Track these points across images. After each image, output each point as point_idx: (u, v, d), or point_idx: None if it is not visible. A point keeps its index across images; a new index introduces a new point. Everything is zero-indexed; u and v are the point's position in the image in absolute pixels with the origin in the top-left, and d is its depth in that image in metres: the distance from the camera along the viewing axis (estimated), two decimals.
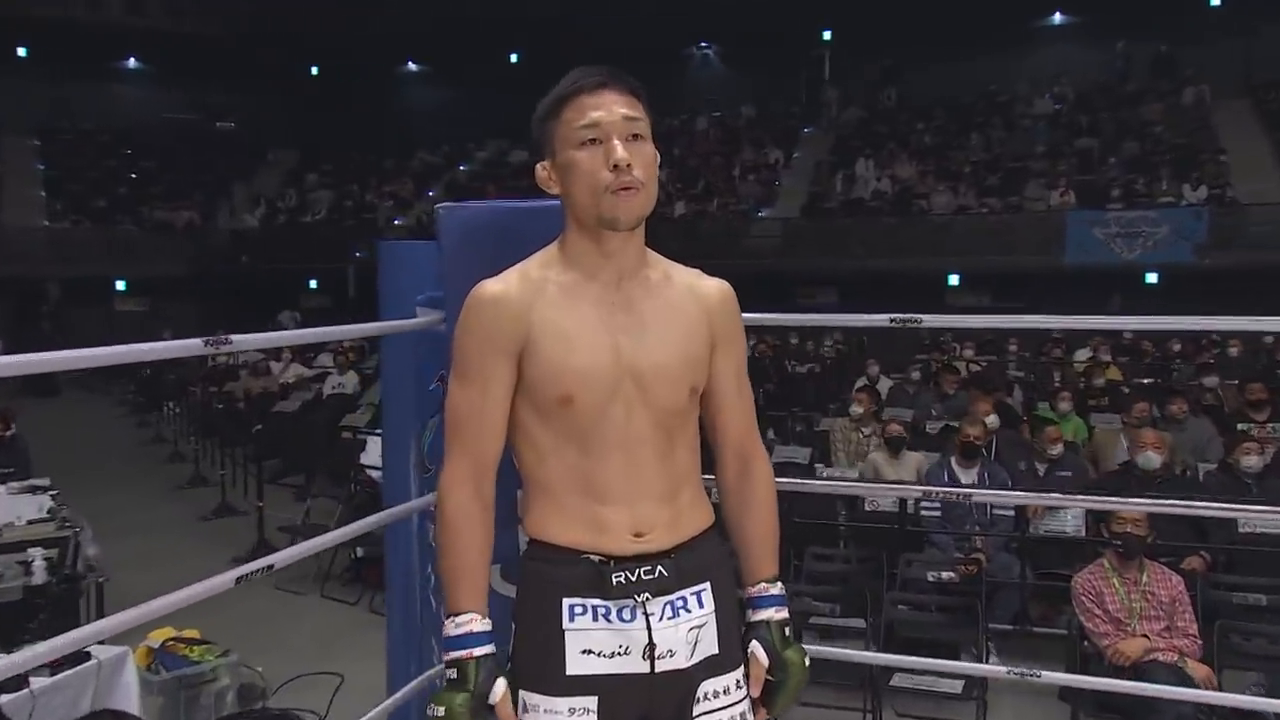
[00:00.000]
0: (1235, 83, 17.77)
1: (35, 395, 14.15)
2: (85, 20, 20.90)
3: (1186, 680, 3.52)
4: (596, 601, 1.42)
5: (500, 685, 1.40)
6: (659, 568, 1.43)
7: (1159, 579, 3.82)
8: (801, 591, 4.84)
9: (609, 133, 1.41)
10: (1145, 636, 3.70)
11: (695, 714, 1.44)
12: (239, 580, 1.37)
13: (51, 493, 5.18)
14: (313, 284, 20.93)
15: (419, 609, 2.19)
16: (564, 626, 1.41)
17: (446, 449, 1.47)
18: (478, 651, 1.40)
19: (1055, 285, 14.69)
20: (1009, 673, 1.93)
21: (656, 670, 1.41)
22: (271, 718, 3.26)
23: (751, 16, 19.64)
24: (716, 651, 1.46)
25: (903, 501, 5.07)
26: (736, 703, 1.48)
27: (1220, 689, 3.55)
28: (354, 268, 18.15)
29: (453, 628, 1.40)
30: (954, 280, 16.52)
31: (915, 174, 17.86)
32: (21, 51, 22.01)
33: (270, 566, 1.58)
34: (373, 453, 6.45)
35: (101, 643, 3.43)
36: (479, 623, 1.41)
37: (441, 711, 1.38)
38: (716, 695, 1.46)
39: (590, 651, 1.41)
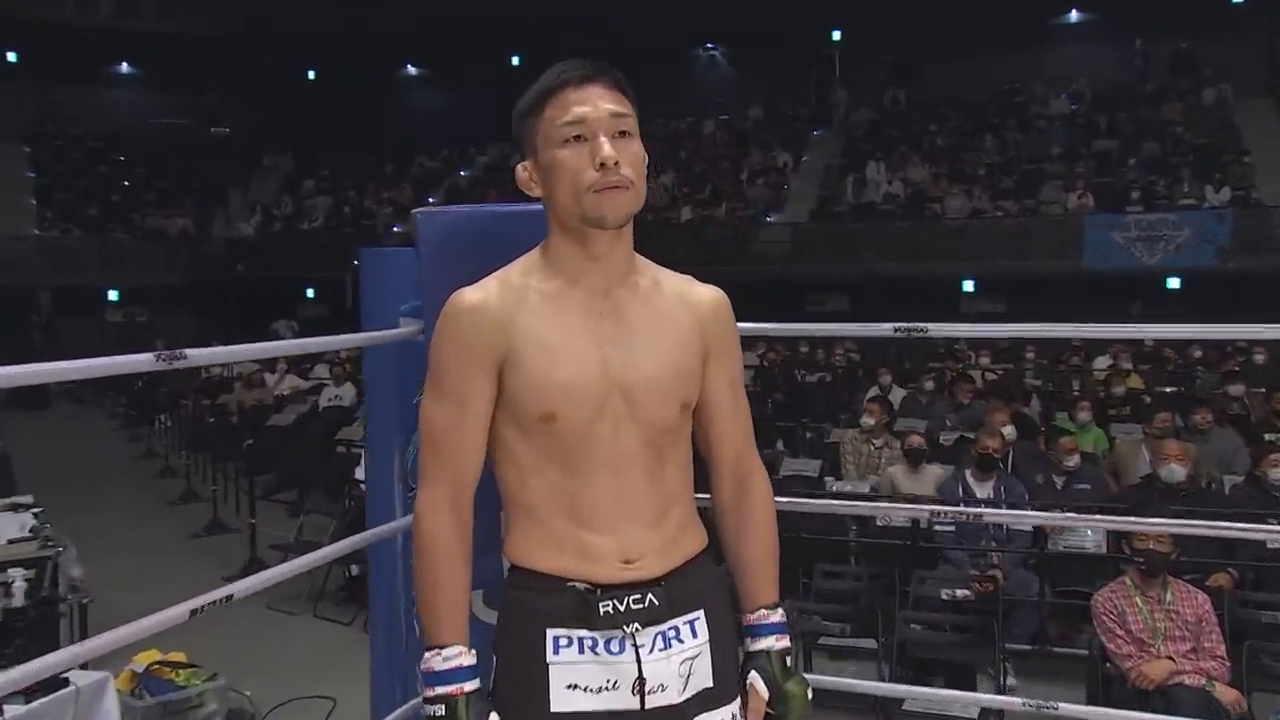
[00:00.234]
0: (1258, 81, 17.69)
1: (25, 408, 14.15)
2: (76, 23, 20.96)
3: (1214, 704, 3.46)
4: (582, 633, 1.37)
5: None
6: (649, 596, 1.38)
7: (1184, 597, 3.75)
8: (810, 610, 4.79)
9: (595, 130, 1.37)
10: (1170, 658, 3.63)
11: None
12: (193, 613, 1.31)
13: (34, 510, 5.13)
14: (310, 293, 20.94)
15: (404, 631, 2.15)
16: (548, 659, 1.36)
17: (421, 469, 1.42)
18: (467, 687, 1.35)
19: (1073, 291, 14.61)
20: (1024, 705, 1.87)
21: (647, 706, 1.36)
22: None
23: (759, 16, 19.62)
24: (711, 684, 1.41)
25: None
26: None
27: (1250, 713, 3.48)
28: (352, 276, 18.15)
29: (439, 661, 1.35)
30: (968, 286, 16.46)
31: (928, 177, 17.80)
32: (11, 56, 22.10)
33: (229, 597, 1.53)
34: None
35: (84, 666, 3.38)
36: (466, 656, 1.36)
37: None
38: None
39: (576, 686, 1.35)
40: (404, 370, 2.00)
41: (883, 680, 4.28)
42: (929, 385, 9.75)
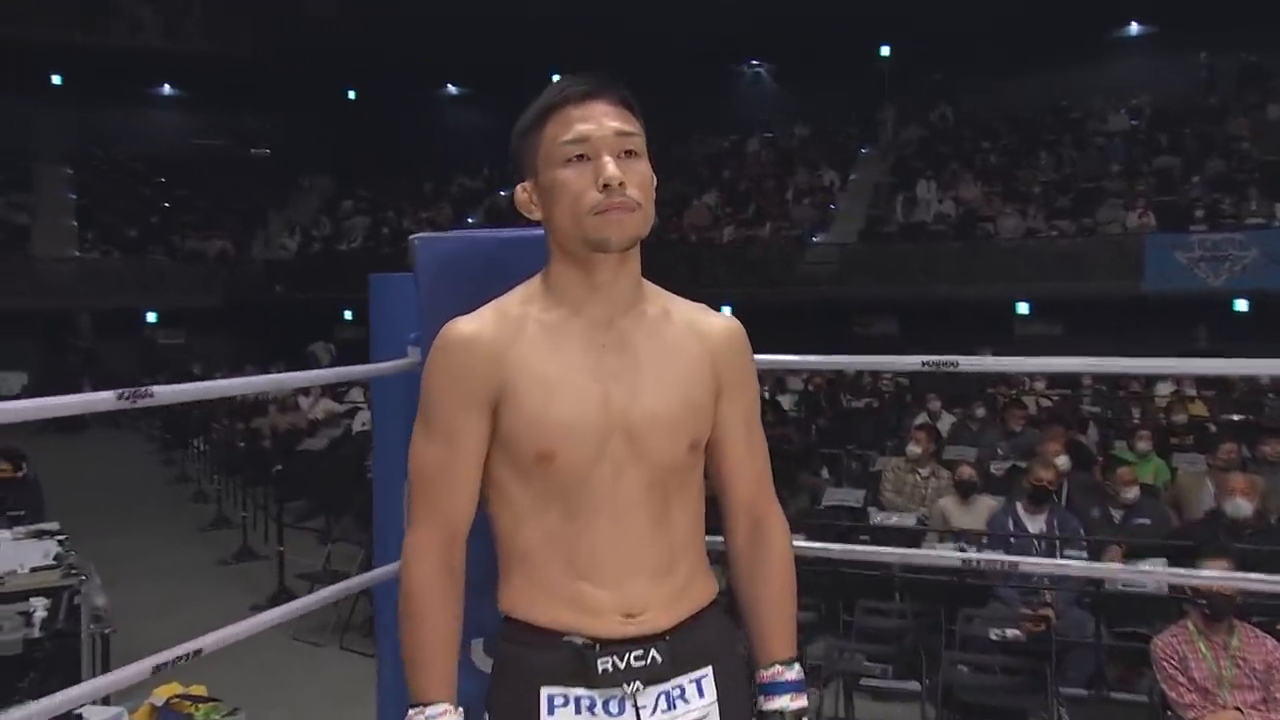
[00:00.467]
0: None
1: (61, 431, 14.40)
2: (121, 46, 21.47)
3: None
4: (580, 691, 1.30)
5: None
6: (652, 652, 1.32)
7: (1252, 643, 3.59)
8: (851, 649, 4.69)
9: (598, 149, 1.32)
10: (1238, 709, 3.48)
11: None
12: (157, 669, 1.27)
13: (59, 538, 5.17)
14: (348, 314, 21.16)
15: None
16: (542, 719, 1.30)
17: (410, 511, 1.37)
18: None
19: (1134, 314, 14.33)
20: None
21: None
22: None
23: (805, 32, 19.59)
24: None
25: (962, 548, 4.90)
26: None
27: None
28: None
29: None
30: (1023, 309, 16.23)
31: (980, 196, 17.60)
32: (56, 79, 22.66)
33: (198, 650, 1.48)
34: None
35: (105, 700, 3.37)
36: (452, 715, 1.30)
37: None
38: None
39: None
40: (411, 401, 1.95)
41: None
42: (980, 412, 9.60)
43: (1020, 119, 19.53)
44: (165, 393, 1.24)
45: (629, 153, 1.34)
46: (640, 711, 1.30)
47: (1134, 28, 20.08)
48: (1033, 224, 16.62)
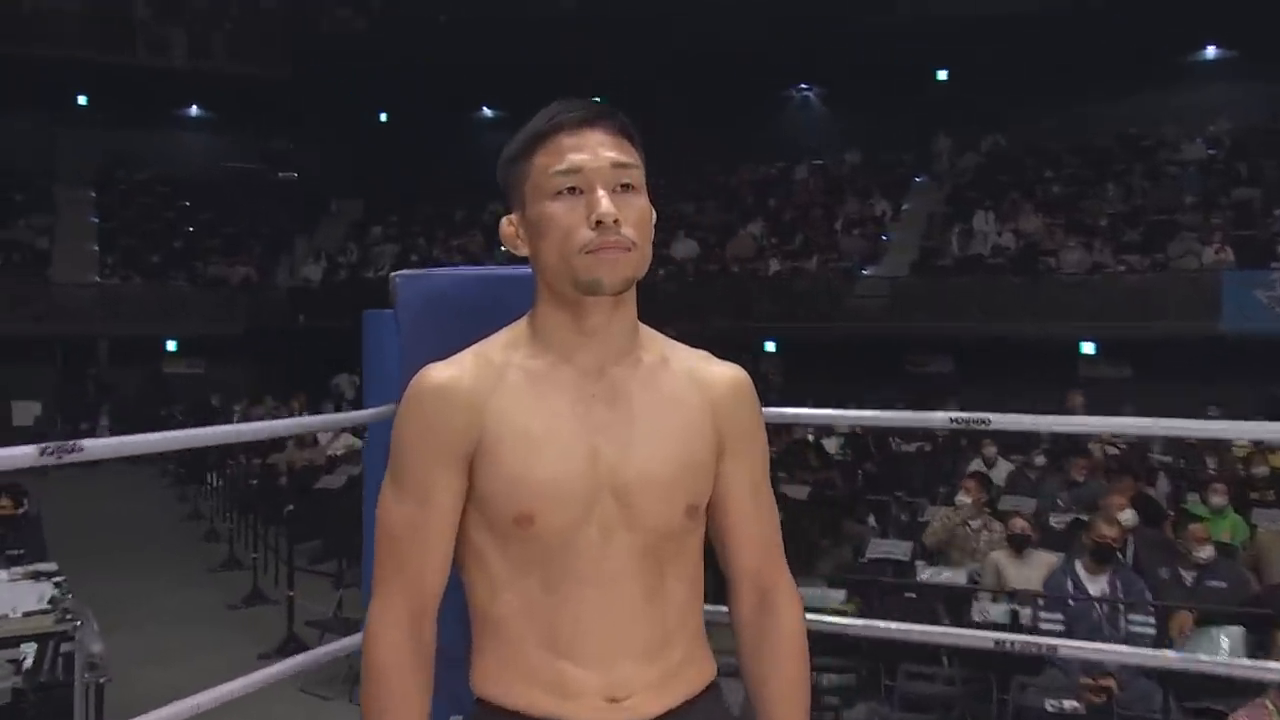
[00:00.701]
0: None
1: (70, 464, 14.55)
2: (147, 66, 21.93)
3: None
4: None
5: None
6: None
7: None
8: (893, 718, 4.57)
9: (592, 181, 1.27)
10: None
11: None
12: None
13: (56, 579, 5.18)
14: None
15: None
16: None
17: (376, 577, 1.31)
18: None
19: (1209, 355, 14.05)
20: None
21: None
22: None
23: (857, 54, 19.60)
24: None
25: (1015, 611, 4.78)
26: None
27: None
28: None
29: None
30: (1088, 349, 15.98)
31: (1042, 227, 17.41)
32: (81, 100, 23.18)
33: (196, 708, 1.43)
34: None
35: None
36: None
37: None
38: None
39: None
40: None
41: None
42: (1040, 459, 9.47)
43: (1086, 146, 19.34)
44: (96, 447, 1.20)
45: (626, 186, 1.30)
46: None
47: (1211, 51, 19.83)
48: (1099, 258, 16.40)
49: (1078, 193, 18.34)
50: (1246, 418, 10.69)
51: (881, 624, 1.72)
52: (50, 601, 4.82)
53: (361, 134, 25.69)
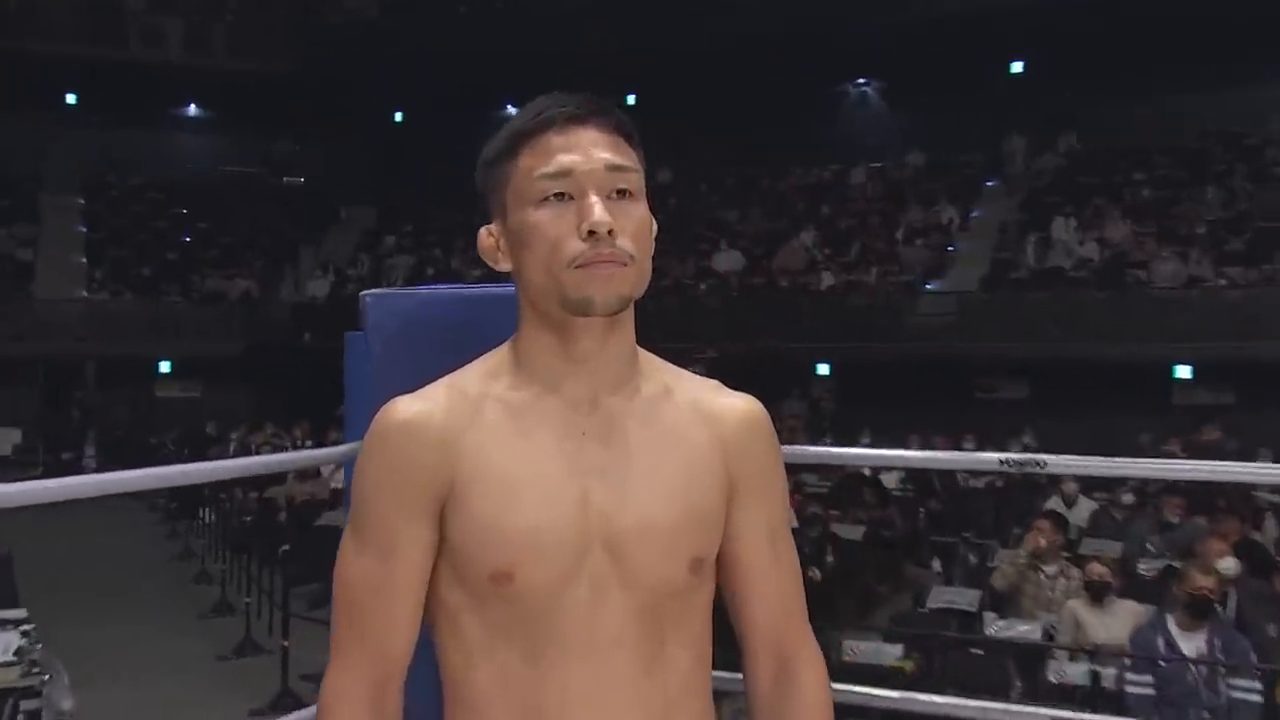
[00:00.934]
0: None
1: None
2: (142, 61, 22.24)
3: None
4: None
5: None
6: None
7: None
8: None
9: (583, 186, 1.23)
10: None
11: None
12: None
13: (24, 628, 5.18)
14: None
15: None
16: None
17: (334, 641, 1.27)
18: None
19: None
20: None
21: None
22: None
23: (922, 45, 19.53)
24: None
25: (1096, 672, 4.70)
26: None
27: None
28: None
29: None
30: (1183, 372, 15.75)
31: (1130, 236, 17.26)
32: (70, 98, 23.54)
33: None
34: None
35: None
36: None
37: None
38: None
39: None
40: None
41: None
42: (1127, 497, 9.37)
43: (1180, 145, 19.16)
44: (8, 491, 1.16)
45: (623, 192, 1.25)
46: None
47: None
48: (1196, 270, 16.21)
49: (1170, 197, 18.15)
50: None
51: (925, 697, 1.65)
52: (16, 653, 4.82)
53: (373, 134, 25.92)
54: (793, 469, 9.91)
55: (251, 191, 25.19)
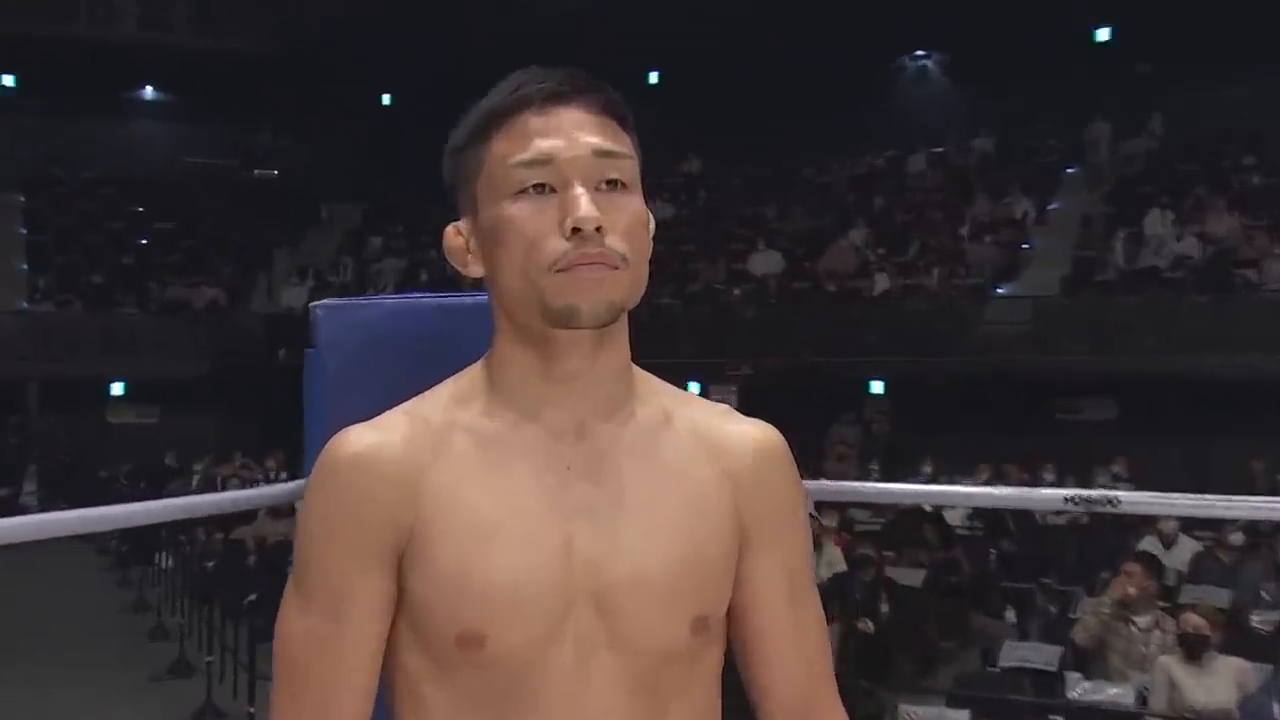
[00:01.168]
0: None
1: None
2: (91, 39, 22.41)
3: None
4: None
5: None
6: None
7: None
8: None
9: (567, 175, 1.22)
10: None
11: None
12: None
13: None
14: None
15: None
16: None
17: (273, 711, 1.26)
18: None
19: None
20: None
21: None
22: None
23: (989, 9, 19.52)
24: None
25: None
26: None
27: None
28: None
29: None
30: None
31: (1238, 231, 17.23)
32: (7, 80, 23.76)
33: None
34: None
35: None
36: None
37: None
38: None
39: None
40: None
41: None
42: (1236, 537, 9.31)
43: None
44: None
45: (613, 183, 1.24)
46: None
47: None
48: None
49: None
50: None
51: None
52: None
53: (360, 120, 26.07)
54: (841, 502, 9.90)
55: (219, 187, 25.34)
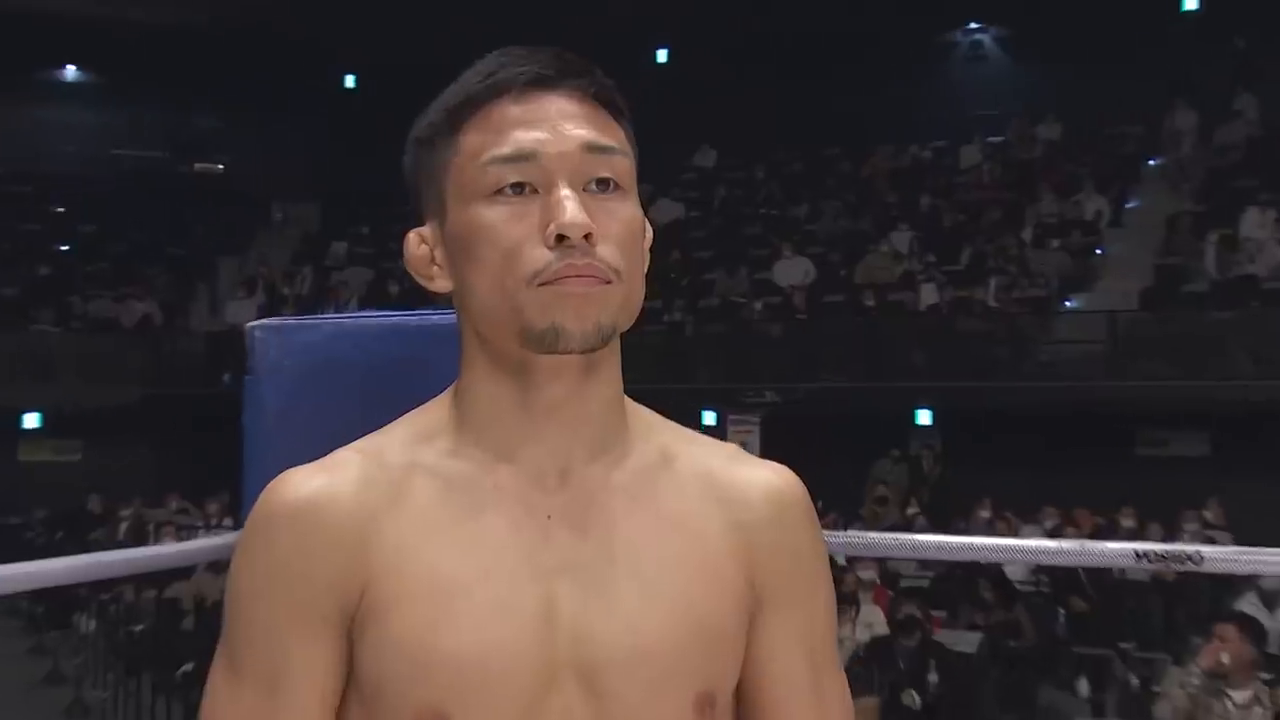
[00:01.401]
0: None
1: None
2: (2, 9, 22.40)
3: None
4: None
5: None
6: None
7: None
8: None
9: (551, 174, 1.23)
10: None
11: None
12: None
13: None
14: None
15: None
16: None
17: None
18: None
19: None
20: None
21: None
22: None
23: None
24: None
25: None
26: None
27: None
28: None
29: None
30: None
31: None
32: None
33: None
34: None
35: None
36: None
37: None
38: None
39: None
40: None
41: None
42: None
43: None
44: None
45: (605, 183, 1.25)
46: None
47: None
48: None
49: None
50: None
51: None
52: None
53: (319, 107, 26.15)
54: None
55: (154, 184, 25.41)
